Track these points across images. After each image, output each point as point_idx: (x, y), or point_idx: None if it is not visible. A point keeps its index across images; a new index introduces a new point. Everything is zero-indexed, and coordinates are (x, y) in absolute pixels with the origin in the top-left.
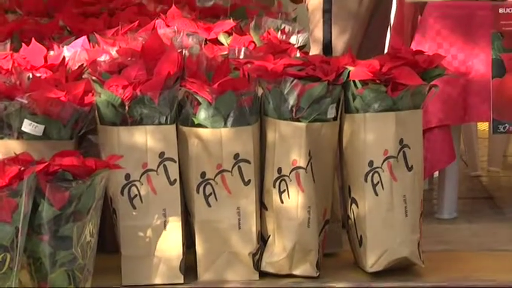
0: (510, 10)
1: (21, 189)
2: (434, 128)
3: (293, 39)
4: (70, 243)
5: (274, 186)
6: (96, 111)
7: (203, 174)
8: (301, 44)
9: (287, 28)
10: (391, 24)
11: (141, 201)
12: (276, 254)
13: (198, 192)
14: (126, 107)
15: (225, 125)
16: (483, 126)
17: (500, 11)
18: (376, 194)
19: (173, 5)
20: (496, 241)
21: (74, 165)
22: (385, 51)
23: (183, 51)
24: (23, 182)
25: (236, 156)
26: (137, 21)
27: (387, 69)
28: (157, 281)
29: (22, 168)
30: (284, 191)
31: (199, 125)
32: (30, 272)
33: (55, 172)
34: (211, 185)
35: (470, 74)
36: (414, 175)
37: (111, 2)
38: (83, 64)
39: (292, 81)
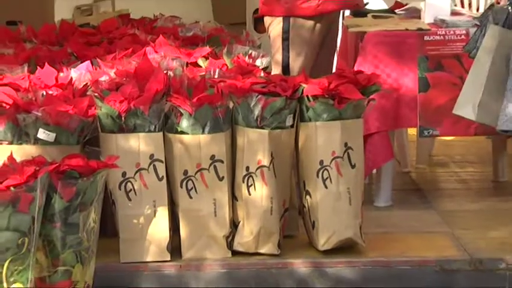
0: (433, 37)
1: (36, 185)
2: (374, 133)
3: (258, 62)
4: (77, 229)
5: (243, 181)
6: (98, 122)
7: (185, 172)
8: (265, 66)
9: (253, 53)
10: (338, 50)
11: (135, 194)
12: (245, 236)
13: (181, 186)
14: (123, 118)
15: (203, 132)
16: (412, 131)
17: (425, 38)
18: (326, 187)
19: (160, 35)
20: (423, 225)
21: (80, 165)
22: (333, 71)
23: (169, 73)
24: (37, 180)
25: (212, 157)
26: (131, 49)
27: (334, 86)
28: (149, 258)
29: (37, 168)
30: (251, 185)
31: (182, 132)
32: (44, 253)
33: (64, 171)
34: (192, 181)
35: (401, 90)
36: (357, 171)
37: (110, 33)
38: (87, 83)
39: (257, 96)
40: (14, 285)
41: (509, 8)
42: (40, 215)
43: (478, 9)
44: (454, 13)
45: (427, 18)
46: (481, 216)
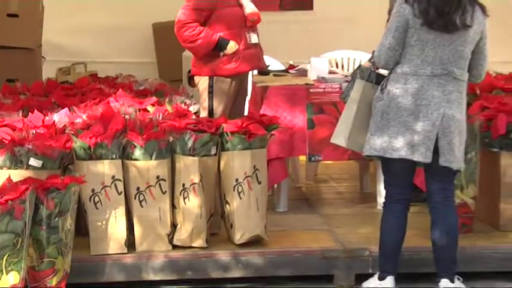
0: (316, 90)
1: (27, 199)
2: (274, 159)
3: (191, 108)
4: (58, 230)
5: (180, 194)
6: (74, 152)
7: (138, 188)
8: (195, 111)
9: (187, 102)
10: (249, 99)
11: (101, 205)
12: (182, 234)
13: (135, 198)
14: (92, 149)
15: (151, 159)
16: (302, 157)
17: (311, 90)
18: (240, 198)
19: (120, 89)
20: (310, 224)
21: (58, 182)
22: (245, 114)
23: (126, 116)
24: (27, 195)
25: (158, 177)
26: (98, 99)
27: (245, 125)
28: (111, 251)
29: (28, 187)
30: (186, 197)
31: (135, 159)
32: (34, 248)
33: (47, 188)
34: (143, 194)
35: (294, 128)
36: (262, 186)
37: (83, 88)
38: (65, 124)
39: (190, 133)
40: (11, 273)
41: (371, 67)
42: (30, 221)
43: (348, 70)
44: (331, 72)
45: (312, 76)
46: (352, 218)
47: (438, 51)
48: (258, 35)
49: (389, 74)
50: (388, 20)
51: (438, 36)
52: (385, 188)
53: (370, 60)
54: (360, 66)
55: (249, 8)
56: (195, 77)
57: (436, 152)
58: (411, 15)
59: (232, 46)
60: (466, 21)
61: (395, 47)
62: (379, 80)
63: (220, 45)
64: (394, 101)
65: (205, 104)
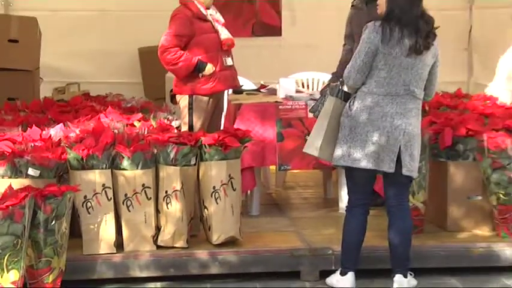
0: (285, 107)
1: (26, 205)
2: (247, 168)
3: (173, 123)
4: (54, 233)
5: (164, 200)
6: (68, 163)
7: (126, 195)
8: (177, 126)
9: (170, 117)
10: (225, 114)
11: (93, 210)
12: (165, 236)
13: (123, 204)
14: (84, 160)
15: (137, 169)
16: (272, 167)
17: (280, 107)
18: (217, 203)
19: (109, 106)
20: (279, 226)
21: (54, 190)
22: (221, 129)
23: (115, 130)
24: (27, 201)
25: (143, 184)
26: (90, 115)
27: (222, 138)
28: (102, 251)
29: (27, 194)
30: (169, 202)
31: (123, 169)
32: (32, 249)
33: (45, 195)
34: (130, 200)
35: (265, 141)
36: (237, 193)
37: (76, 105)
38: (60, 138)
39: (172, 145)
40: (11, 271)
41: (340, 85)
42: (29, 224)
43: (312, 89)
44: (297, 91)
45: (280, 95)
46: (316, 220)
47: (402, 74)
48: (232, 58)
49: (356, 92)
50: (344, 45)
51: (403, 61)
52: (348, 194)
53: (331, 79)
54: (329, 84)
55: (224, 34)
56: (177, 96)
57: (398, 162)
58: (380, 42)
59: (209, 68)
60: (428, 45)
61: (364, 69)
62: (347, 97)
63: (199, 67)
64: (361, 117)
65: (186, 119)
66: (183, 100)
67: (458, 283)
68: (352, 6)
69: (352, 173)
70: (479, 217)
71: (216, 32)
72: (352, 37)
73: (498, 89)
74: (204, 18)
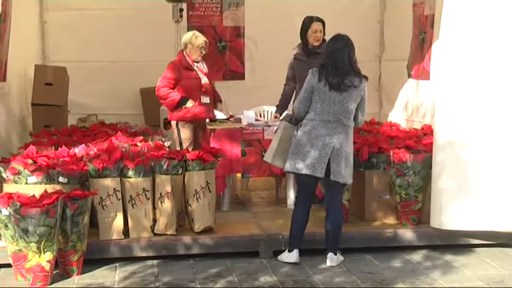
0: (247, 131)
1: (58, 204)
2: (220, 176)
3: (166, 143)
4: (78, 224)
5: (159, 200)
6: (88, 173)
7: (131, 196)
8: (168, 145)
9: (163, 139)
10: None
11: (107, 207)
12: (160, 226)
13: (129, 203)
14: (100, 171)
15: (139, 177)
16: (239, 175)
17: (244, 131)
18: (198, 202)
19: (119, 131)
20: (243, 219)
21: (79, 194)
22: (201, 147)
23: (122, 149)
24: (58, 201)
25: (144, 188)
26: (104, 138)
27: (201, 154)
28: (114, 237)
29: (58, 196)
30: (163, 201)
31: (129, 177)
32: (62, 236)
33: (72, 197)
34: (134, 200)
35: (233, 156)
36: (212, 194)
37: (94, 131)
38: (83, 155)
39: (165, 160)
40: (47, 253)
41: (292, 113)
42: (59, 218)
43: (267, 118)
44: (256, 120)
45: (244, 122)
46: (271, 214)
47: (332, 106)
48: (211, 98)
49: (302, 119)
50: (285, 84)
51: (332, 96)
52: (296, 193)
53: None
54: (286, 113)
55: (204, 80)
56: (171, 121)
57: (328, 171)
58: (316, 82)
59: (190, 102)
60: (352, 83)
61: (305, 102)
62: (297, 122)
63: (182, 102)
64: (303, 138)
65: (176, 139)
66: (173, 124)
67: (372, 258)
68: (294, 57)
69: (299, 178)
70: (387, 210)
71: (198, 78)
72: (292, 79)
73: (397, 118)
74: (190, 68)
